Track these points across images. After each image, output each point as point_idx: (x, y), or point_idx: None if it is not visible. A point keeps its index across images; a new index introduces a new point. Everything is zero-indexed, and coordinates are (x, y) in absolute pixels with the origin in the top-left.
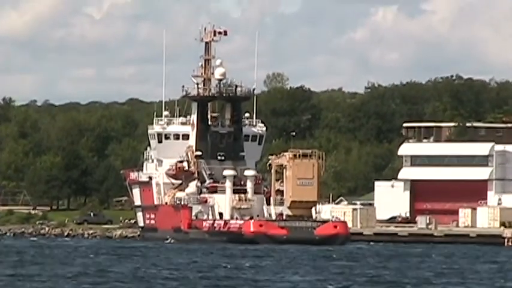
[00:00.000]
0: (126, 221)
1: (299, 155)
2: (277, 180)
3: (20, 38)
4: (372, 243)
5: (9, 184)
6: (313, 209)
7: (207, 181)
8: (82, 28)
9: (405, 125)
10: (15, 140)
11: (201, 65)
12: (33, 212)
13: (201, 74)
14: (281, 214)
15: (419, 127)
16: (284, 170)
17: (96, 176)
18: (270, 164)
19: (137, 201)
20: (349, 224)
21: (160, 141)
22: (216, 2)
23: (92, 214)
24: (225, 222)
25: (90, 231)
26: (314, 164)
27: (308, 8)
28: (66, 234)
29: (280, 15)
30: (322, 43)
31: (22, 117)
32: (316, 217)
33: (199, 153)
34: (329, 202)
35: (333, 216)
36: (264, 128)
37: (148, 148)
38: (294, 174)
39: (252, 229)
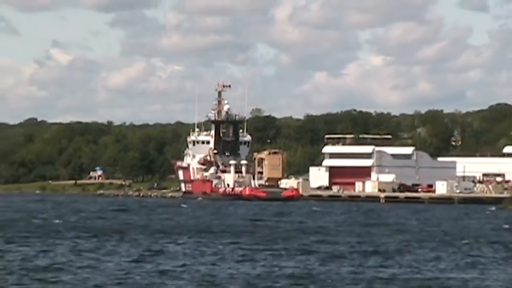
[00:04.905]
0: (174, 188)
1: (272, 152)
2: (258, 165)
3: (120, 88)
4: None
5: (110, 167)
6: (279, 182)
7: (220, 167)
8: (155, 82)
9: (326, 136)
10: (113, 144)
11: (216, 104)
12: (123, 183)
13: (216, 108)
14: (262, 185)
15: (334, 138)
16: (263, 160)
17: (157, 163)
18: (254, 158)
19: (181, 178)
20: None
21: (194, 145)
22: (228, 68)
23: (156, 184)
24: (232, 189)
25: (154, 193)
26: (280, 158)
27: (278, 72)
28: (141, 195)
29: (263, 76)
30: (284, 92)
31: (117, 131)
32: (280, 186)
33: (215, 151)
34: (284, 178)
35: (289, 186)
36: (250, 138)
37: (187, 148)
38: (269, 163)
39: (247, 193)
